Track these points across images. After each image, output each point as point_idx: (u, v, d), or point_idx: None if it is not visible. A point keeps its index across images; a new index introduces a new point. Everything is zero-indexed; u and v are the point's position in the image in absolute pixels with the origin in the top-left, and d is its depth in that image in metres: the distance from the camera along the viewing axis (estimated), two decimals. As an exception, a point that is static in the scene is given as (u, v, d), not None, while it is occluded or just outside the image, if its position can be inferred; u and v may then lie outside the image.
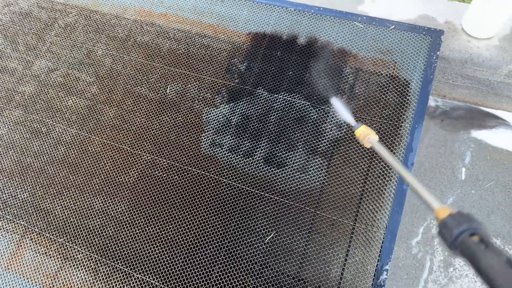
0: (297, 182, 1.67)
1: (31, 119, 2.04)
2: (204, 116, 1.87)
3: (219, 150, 1.80)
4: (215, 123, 1.85)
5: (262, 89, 1.86)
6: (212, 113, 1.87)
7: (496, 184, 1.77)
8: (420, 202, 1.80)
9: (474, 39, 1.83)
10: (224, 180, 1.74)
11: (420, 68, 1.74)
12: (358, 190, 1.61)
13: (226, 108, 1.87)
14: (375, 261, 1.51)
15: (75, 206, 1.81)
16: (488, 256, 0.62)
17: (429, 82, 1.71)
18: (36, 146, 1.97)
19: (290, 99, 1.82)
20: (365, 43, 1.84)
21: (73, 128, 1.97)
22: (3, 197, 1.89)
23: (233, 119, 1.84)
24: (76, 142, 1.94)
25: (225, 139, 1.81)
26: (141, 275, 1.63)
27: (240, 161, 1.76)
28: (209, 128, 1.85)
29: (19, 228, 1.81)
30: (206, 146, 1.82)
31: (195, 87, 1.94)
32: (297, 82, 1.84)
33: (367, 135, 1.17)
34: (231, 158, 1.77)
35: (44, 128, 2.00)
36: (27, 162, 1.94)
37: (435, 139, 1.92)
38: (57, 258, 1.73)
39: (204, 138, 1.83)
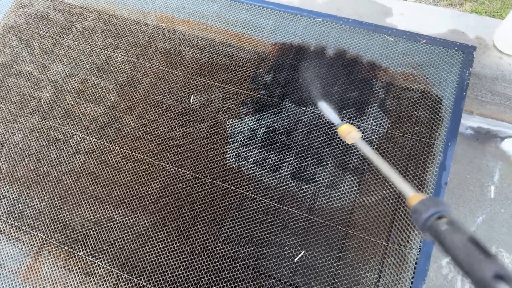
0: (327, 199, 1.63)
1: (47, 126, 1.98)
2: (229, 127, 1.83)
3: (245, 164, 1.75)
4: (240, 135, 1.80)
5: (289, 101, 1.82)
6: (237, 124, 1.83)
7: (525, 203, 1.75)
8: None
9: (506, 55, 1.80)
10: (251, 194, 1.69)
11: (453, 84, 1.71)
12: (391, 209, 1.58)
13: (251, 120, 1.82)
14: (409, 282, 1.47)
15: (95, 218, 1.75)
16: (453, 235, 0.68)
17: (461, 99, 1.68)
18: (53, 155, 1.91)
19: (319, 112, 1.78)
20: (395, 57, 1.81)
21: (92, 136, 1.91)
22: (19, 207, 1.83)
23: (259, 131, 1.79)
24: (95, 151, 1.88)
25: (251, 152, 1.76)
26: (166, 293, 1.58)
27: (267, 175, 1.71)
28: (234, 140, 1.80)
29: (36, 240, 1.75)
30: (231, 159, 1.77)
31: (219, 97, 1.89)
32: (325, 95, 1.80)
33: (349, 132, 1.26)
34: (257, 172, 1.73)
35: (61, 136, 1.94)
36: (44, 171, 1.88)
37: (463, 156, 1.89)
38: (77, 272, 1.67)
39: (229, 151, 1.78)
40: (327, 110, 1.53)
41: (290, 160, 1.72)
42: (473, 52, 1.75)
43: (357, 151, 1.68)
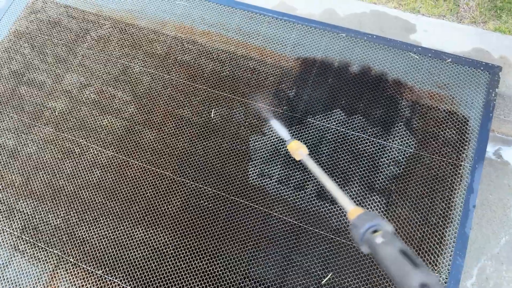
0: (353, 219, 1.61)
1: (62, 137, 1.92)
2: (251, 143, 1.79)
3: (268, 181, 1.72)
4: (263, 151, 1.77)
5: (313, 118, 1.80)
6: (260, 140, 1.79)
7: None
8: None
9: (531, 76, 1.80)
10: (274, 213, 1.66)
11: (479, 104, 1.70)
12: (418, 232, 1.56)
13: (274, 136, 1.79)
14: (438, 307, 1.46)
15: (113, 235, 1.70)
16: (385, 248, 0.71)
17: (488, 120, 1.67)
18: (69, 168, 1.85)
19: (344, 130, 1.75)
20: (421, 75, 1.79)
21: (109, 150, 1.86)
22: (33, 222, 1.77)
23: (282, 148, 1.76)
24: (113, 165, 1.83)
25: (274, 169, 1.73)
26: (189, 315, 1.54)
27: (291, 194, 1.69)
28: (256, 157, 1.77)
29: (52, 258, 1.70)
30: (254, 176, 1.74)
31: (241, 112, 1.86)
32: (351, 112, 1.78)
33: (298, 149, 1.32)
34: (281, 190, 1.70)
35: (77, 149, 1.89)
36: (59, 185, 1.83)
37: (484, 175, 1.88)
38: (95, 292, 1.62)
39: (252, 167, 1.75)
40: (278, 127, 1.58)
41: (315, 179, 1.70)
42: (499, 72, 1.74)
43: (385, 171, 1.66)
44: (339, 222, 1.61)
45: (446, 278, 1.49)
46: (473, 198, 1.58)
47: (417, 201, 1.60)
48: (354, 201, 1.63)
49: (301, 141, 1.72)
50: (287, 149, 1.35)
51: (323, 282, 1.53)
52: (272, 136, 1.79)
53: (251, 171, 1.75)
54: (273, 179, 1.72)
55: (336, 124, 1.77)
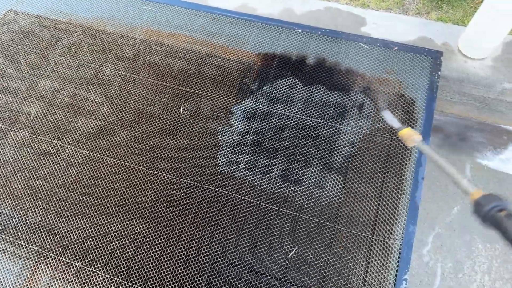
0: (315, 198, 1.74)
1: (38, 140, 2.00)
2: (219, 134, 1.91)
3: (236, 168, 1.84)
4: (231, 141, 1.89)
5: (275, 108, 1.93)
6: (227, 131, 1.92)
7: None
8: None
9: (470, 59, 1.98)
10: (243, 197, 1.78)
11: (424, 87, 1.87)
12: (374, 204, 1.70)
13: (240, 126, 1.92)
14: (394, 271, 1.59)
15: (91, 228, 1.79)
16: None
17: (433, 100, 1.84)
18: (46, 169, 1.94)
19: (303, 117, 1.89)
20: (371, 63, 1.95)
21: (84, 149, 1.95)
22: (13, 222, 1.84)
23: (248, 137, 1.89)
24: (88, 163, 1.92)
25: (242, 157, 1.86)
26: (166, 296, 1.64)
27: (257, 178, 1.81)
28: (224, 147, 1.89)
29: (33, 254, 1.77)
30: (223, 164, 1.85)
31: (208, 106, 1.98)
32: (309, 101, 1.92)
33: (411, 136, 1.34)
34: (248, 175, 1.82)
35: (53, 150, 1.97)
36: (37, 185, 1.91)
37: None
38: (76, 283, 1.70)
39: (220, 157, 1.87)
40: (389, 117, 1.62)
41: (279, 163, 1.83)
42: (441, 57, 1.91)
43: (341, 152, 1.80)
44: (302, 201, 1.74)
45: (400, 244, 1.63)
46: (421, 171, 1.73)
47: (372, 177, 1.74)
48: (314, 180, 1.76)
49: (265, 129, 1.85)
50: (399, 136, 1.36)
51: (289, 256, 1.65)
52: (238, 127, 1.91)
53: (220, 160, 1.86)
54: (241, 166, 1.84)
55: (296, 112, 1.91)
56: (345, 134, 1.83)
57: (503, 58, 1.98)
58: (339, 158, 1.79)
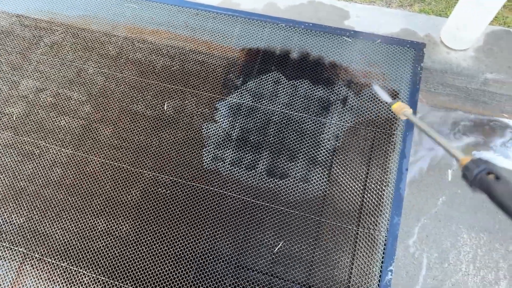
0: (300, 192, 1.74)
1: (21, 141, 1.98)
2: (204, 131, 1.91)
3: (222, 164, 1.84)
4: (216, 137, 1.89)
5: (260, 103, 1.93)
6: (212, 128, 1.91)
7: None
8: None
9: (452, 50, 1.99)
10: (229, 193, 1.77)
11: (407, 78, 1.88)
12: (359, 197, 1.70)
13: (225, 122, 1.91)
14: (380, 263, 1.60)
15: (76, 228, 1.78)
16: (500, 186, 0.81)
17: (416, 92, 1.85)
18: (29, 169, 1.91)
19: (288, 111, 1.89)
20: (354, 56, 1.95)
21: (68, 148, 1.93)
22: (-3, 224, 1.82)
23: (233, 133, 1.88)
24: (72, 163, 1.90)
25: (227, 153, 1.85)
26: (152, 294, 1.63)
27: (243, 174, 1.81)
28: (210, 143, 1.88)
29: (17, 255, 1.75)
30: (208, 161, 1.85)
31: (193, 103, 1.97)
32: (293, 95, 1.92)
33: (403, 109, 1.35)
34: (234, 171, 1.82)
35: (37, 150, 1.95)
36: (21, 186, 1.89)
37: (422, 144, 2.05)
38: (62, 283, 1.69)
39: (206, 153, 1.86)
40: (380, 91, 1.59)
41: (264, 158, 1.82)
42: (423, 49, 1.92)
43: (326, 145, 1.80)
44: (287, 195, 1.74)
45: (385, 236, 1.64)
46: (405, 162, 1.74)
47: (356, 170, 1.75)
48: (300, 174, 1.76)
49: (250, 125, 1.85)
50: (392, 110, 1.38)
51: (275, 250, 1.65)
52: (223, 123, 1.91)
53: (205, 156, 1.86)
54: (226, 162, 1.84)
55: (281, 106, 1.91)
56: (329, 128, 1.83)
57: (484, 48, 1.99)
58: (323, 152, 1.80)
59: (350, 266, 1.61)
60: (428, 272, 1.75)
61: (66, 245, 1.75)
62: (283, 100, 1.92)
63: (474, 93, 2.02)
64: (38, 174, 1.90)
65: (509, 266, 1.75)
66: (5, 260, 1.76)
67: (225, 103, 1.95)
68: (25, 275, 1.72)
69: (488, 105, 2.05)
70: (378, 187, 1.71)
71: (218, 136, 1.89)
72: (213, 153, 1.86)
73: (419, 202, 1.92)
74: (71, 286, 1.68)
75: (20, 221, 1.82)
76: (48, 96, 2.08)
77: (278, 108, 1.90)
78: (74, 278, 1.69)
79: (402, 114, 1.36)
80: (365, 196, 1.70)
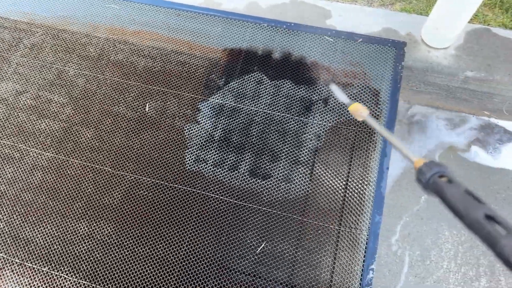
0: (283, 192, 1.74)
1: (1, 144, 1.95)
2: (186, 132, 1.90)
3: (204, 166, 1.83)
4: (198, 139, 1.88)
5: (242, 104, 1.92)
6: (194, 129, 1.90)
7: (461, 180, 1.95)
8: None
9: (433, 49, 2.00)
10: (212, 195, 1.77)
11: (388, 77, 1.88)
12: (341, 196, 1.71)
13: (208, 123, 1.90)
14: (361, 261, 1.61)
15: (58, 232, 1.76)
16: (451, 189, 0.79)
17: (397, 91, 1.86)
18: (9, 173, 1.89)
19: (270, 112, 1.89)
20: (336, 56, 1.95)
21: (49, 152, 1.91)
22: (-24, 229, 1.80)
23: (216, 134, 1.88)
24: (53, 166, 1.88)
25: (209, 154, 1.84)
26: (135, 297, 1.62)
27: (226, 175, 1.80)
28: (192, 144, 1.87)
29: (-3, 261, 1.73)
30: (191, 162, 1.84)
31: (175, 104, 1.95)
32: (276, 95, 1.91)
33: (359, 110, 1.33)
34: (216, 172, 1.81)
35: (17, 154, 1.92)
36: (1, 190, 1.86)
37: (402, 140, 2.06)
38: (43, 288, 1.67)
39: (188, 155, 1.85)
40: (337, 91, 1.56)
41: (247, 158, 1.82)
42: (404, 48, 1.93)
43: (308, 145, 1.80)
44: (270, 196, 1.74)
45: (367, 235, 1.64)
46: (386, 161, 1.75)
47: (338, 169, 1.75)
48: (282, 174, 1.76)
49: (232, 126, 1.85)
50: (349, 111, 1.37)
51: (258, 251, 1.65)
52: (205, 124, 1.90)
53: (187, 158, 1.85)
54: (209, 163, 1.83)
55: (263, 107, 1.90)
56: (311, 128, 1.83)
57: (465, 47, 2.01)
58: (306, 152, 1.80)
59: (332, 265, 1.62)
60: (410, 270, 1.76)
61: (47, 249, 1.73)
62: (265, 101, 1.91)
63: (456, 91, 2.04)
64: (18, 177, 1.88)
65: (489, 262, 1.77)
66: (-15, 266, 1.73)
67: (207, 104, 1.94)
68: (5, 280, 1.70)
69: (469, 103, 2.07)
70: (360, 186, 1.72)
71: (201, 137, 1.88)
72: (196, 154, 1.85)
73: (401, 200, 1.93)
74: (52, 291, 1.66)
75: (0, 225, 1.79)
76: (28, 98, 2.05)
77: (261, 108, 1.90)
78: (56, 283, 1.68)
79: (359, 116, 1.38)
80: (347, 195, 1.71)
